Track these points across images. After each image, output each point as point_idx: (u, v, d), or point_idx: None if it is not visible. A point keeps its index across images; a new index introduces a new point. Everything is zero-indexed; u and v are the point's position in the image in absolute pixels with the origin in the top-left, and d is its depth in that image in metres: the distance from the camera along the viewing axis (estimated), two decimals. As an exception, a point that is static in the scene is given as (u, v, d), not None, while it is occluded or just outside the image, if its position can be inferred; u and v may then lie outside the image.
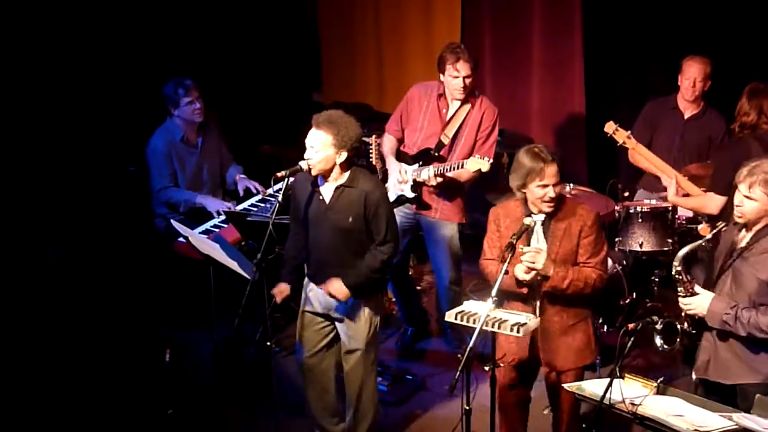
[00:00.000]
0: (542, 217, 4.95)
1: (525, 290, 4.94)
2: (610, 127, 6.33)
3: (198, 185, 6.79)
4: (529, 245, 4.92)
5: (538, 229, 4.96)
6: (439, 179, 6.23)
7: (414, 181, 6.37)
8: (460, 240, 6.51)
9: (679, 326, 4.69)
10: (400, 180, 6.41)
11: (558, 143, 8.04)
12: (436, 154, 6.34)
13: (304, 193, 5.27)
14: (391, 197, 6.37)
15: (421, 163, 6.36)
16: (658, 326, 4.69)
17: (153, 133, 6.71)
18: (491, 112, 6.33)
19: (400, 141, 6.52)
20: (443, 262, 6.52)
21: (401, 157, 6.49)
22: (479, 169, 6.05)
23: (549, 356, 5.03)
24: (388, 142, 6.53)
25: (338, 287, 5.20)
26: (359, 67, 8.99)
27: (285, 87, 8.93)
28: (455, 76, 6.17)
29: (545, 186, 4.84)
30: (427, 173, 6.25)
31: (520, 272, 4.86)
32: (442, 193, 6.38)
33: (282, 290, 5.33)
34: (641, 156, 6.45)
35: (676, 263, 4.62)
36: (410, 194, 6.41)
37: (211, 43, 8.22)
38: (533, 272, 4.85)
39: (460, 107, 6.33)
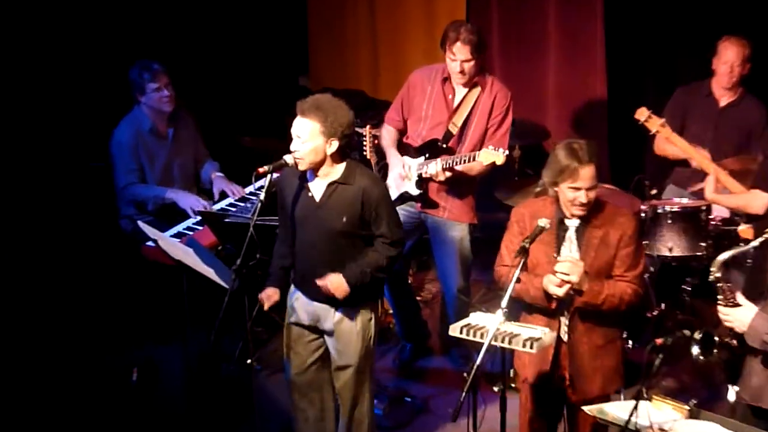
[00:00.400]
0: (577, 222, 4.93)
1: (553, 305, 4.92)
2: (642, 114, 6.36)
3: (168, 182, 6.76)
4: (558, 253, 4.89)
5: (572, 236, 4.94)
6: (448, 174, 6.21)
7: (419, 176, 6.34)
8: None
9: (717, 338, 4.65)
10: (403, 175, 6.38)
11: (576, 133, 8.02)
12: (444, 145, 6.31)
13: (291, 190, 5.24)
14: (393, 195, 6.33)
15: (427, 156, 6.35)
16: (697, 335, 4.67)
17: (118, 124, 6.68)
18: (503, 96, 6.31)
19: (402, 132, 6.51)
20: (451, 267, 6.50)
21: (404, 149, 6.46)
22: (493, 162, 6.03)
23: (574, 380, 5.00)
24: (388, 134, 6.51)
25: (337, 282, 5.13)
26: (351, 48, 8.98)
27: (268, 71, 8.91)
28: (452, 60, 6.18)
29: (577, 189, 4.82)
30: (435, 167, 6.22)
31: (553, 285, 4.83)
32: (451, 189, 6.36)
33: (270, 295, 5.28)
34: (672, 146, 6.43)
35: (714, 269, 4.55)
36: (415, 191, 6.38)
37: (185, 23, 8.19)
38: (567, 286, 4.82)
39: (468, 92, 6.31)
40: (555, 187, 4.89)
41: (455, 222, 6.43)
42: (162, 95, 6.62)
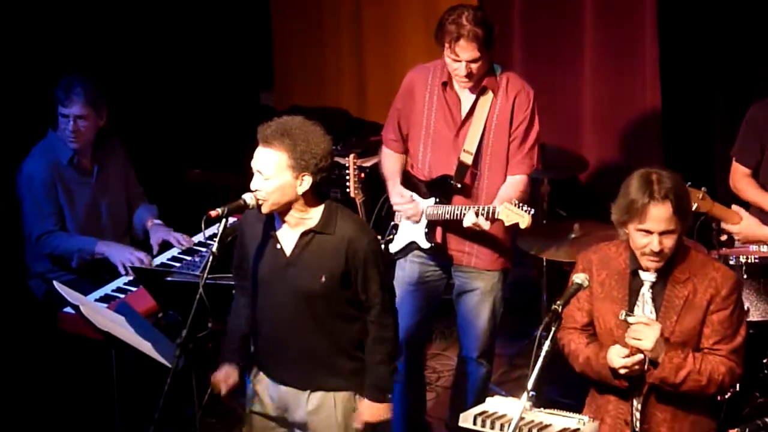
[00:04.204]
0: (653, 276, 4.97)
1: (624, 383, 4.93)
2: None
3: (94, 230, 6.81)
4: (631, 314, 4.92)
5: (646, 294, 4.97)
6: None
7: (429, 223, 6.32)
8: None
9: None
10: (410, 215, 6.33)
11: (623, 160, 8.05)
12: (458, 184, 6.28)
13: (254, 240, 5.27)
14: (399, 243, 6.41)
15: (437, 199, 6.32)
16: None
17: (29, 153, 6.73)
18: (525, 97, 6.24)
19: (407, 155, 6.48)
20: (475, 324, 6.43)
21: (410, 183, 6.43)
22: (516, 224, 5.99)
23: None
24: (389, 160, 6.50)
25: (372, 413, 5.20)
26: (329, 55, 9.05)
27: (222, 86, 8.97)
28: (455, 60, 6.08)
29: (647, 233, 4.86)
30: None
31: (617, 356, 4.88)
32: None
33: (227, 376, 5.29)
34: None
35: None
36: (425, 244, 6.35)
37: (113, 24, 8.19)
38: (637, 356, 4.85)
39: (477, 100, 6.24)
40: (623, 228, 4.94)
41: (484, 271, 6.38)
42: (67, 128, 6.61)
